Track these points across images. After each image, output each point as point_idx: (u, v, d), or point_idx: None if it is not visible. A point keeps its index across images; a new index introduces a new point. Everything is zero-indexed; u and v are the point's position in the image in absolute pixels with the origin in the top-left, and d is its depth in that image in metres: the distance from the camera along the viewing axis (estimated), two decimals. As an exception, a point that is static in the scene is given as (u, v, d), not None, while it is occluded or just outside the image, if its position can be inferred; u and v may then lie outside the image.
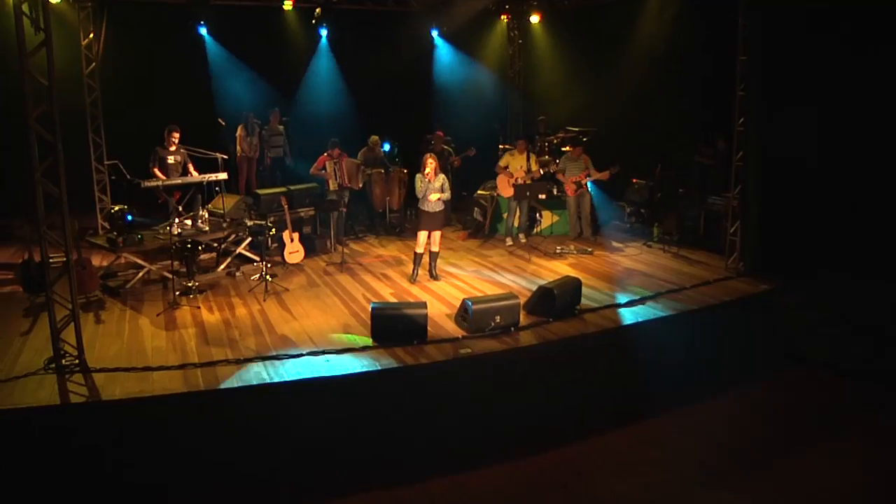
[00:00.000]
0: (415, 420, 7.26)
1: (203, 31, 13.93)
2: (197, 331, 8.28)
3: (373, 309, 7.90)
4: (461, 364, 7.47)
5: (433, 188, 9.73)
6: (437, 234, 10.02)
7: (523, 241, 12.09)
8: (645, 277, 10.35)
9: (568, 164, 12.55)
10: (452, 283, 10.13)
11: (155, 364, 7.30)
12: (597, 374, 8.16)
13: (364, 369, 7.19)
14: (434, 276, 10.16)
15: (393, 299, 9.37)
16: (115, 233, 9.68)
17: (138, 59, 13.22)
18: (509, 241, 12.31)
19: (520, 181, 12.08)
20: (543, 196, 12.09)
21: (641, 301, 9.29)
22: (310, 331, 8.25)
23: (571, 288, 8.87)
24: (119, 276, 10.38)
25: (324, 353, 7.53)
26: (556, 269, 10.77)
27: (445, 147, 13.69)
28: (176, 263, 9.68)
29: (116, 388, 6.76)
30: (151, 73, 13.31)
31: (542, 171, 12.43)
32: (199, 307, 9.10)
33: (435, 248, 10.08)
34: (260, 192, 11.71)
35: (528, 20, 15.53)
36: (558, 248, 11.84)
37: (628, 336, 8.49)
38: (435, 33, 16.12)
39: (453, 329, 8.27)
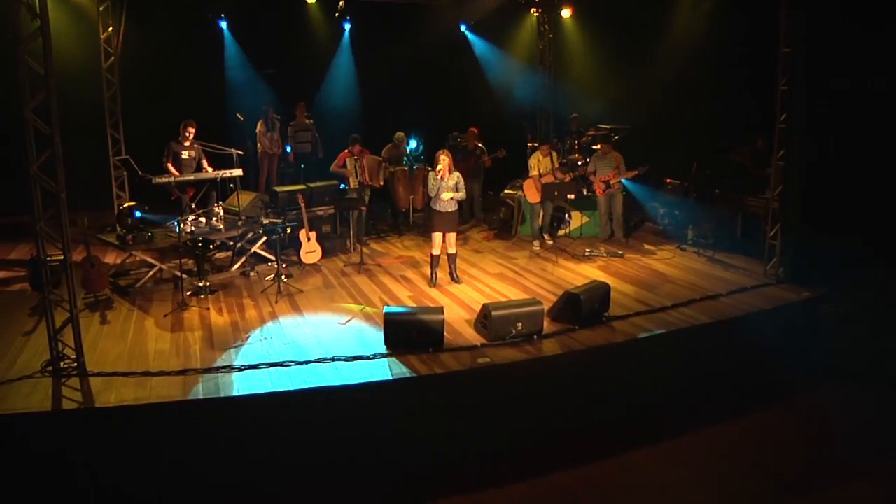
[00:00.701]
0: (427, 433, 6.80)
1: (223, 24, 13.64)
2: (203, 333, 7.91)
3: (385, 314, 7.44)
4: (479, 374, 6.98)
5: (446, 187, 9.26)
6: (452, 236, 9.56)
7: (549, 242, 11.50)
8: (678, 283, 9.79)
9: (598, 162, 12.01)
10: (474, 286, 9.65)
11: (155, 369, 6.94)
12: (624, 386, 7.62)
13: (373, 378, 6.73)
14: (455, 280, 9.70)
15: (411, 303, 8.92)
16: (124, 230, 9.34)
17: (158, 54, 12.93)
18: (536, 245, 11.80)
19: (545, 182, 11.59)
20: (572, 196, 11.55)
21: (674, 308, 8.72)
22: (321, 334, 7.83)
23: (599, 294, 8.34)
24: (131, 274, 10.09)
25: (332, 360, 7.10)
26: (583, 273, 10.24)
27: (479, 145, 13.18)
28: (192, 262, 9.35)
29: (112, 395, 6.40)
30: (171, 68, 13.01)
31: (567, 176, 11.88)
32: (208, 308, 8.74)
33: (452, 250, 9.62)
34: (278, 189, 11.35)
35: (560, 14, 14.96)
36: (587, 250, 11.30)
37: (659, 346, 7.93)
38: (463, 27, 15.66)
39: (472, 336, 7.80)
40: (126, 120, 12.45)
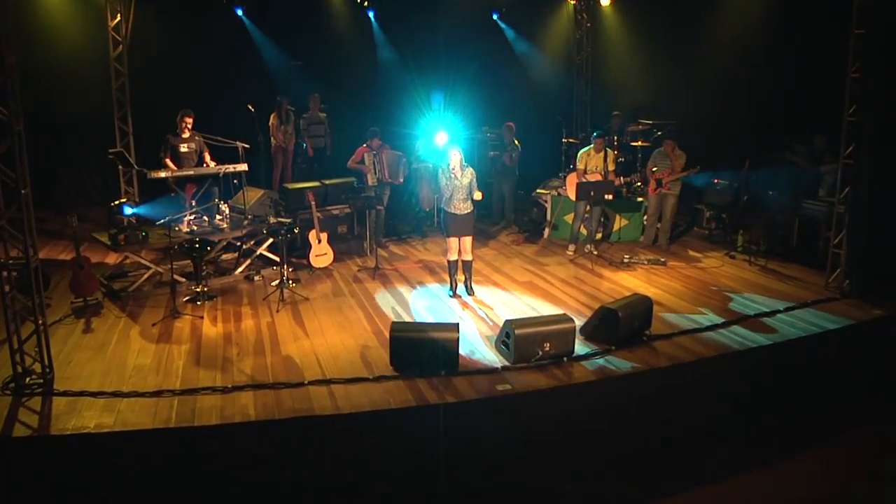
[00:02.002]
0: (433, 471, 5.84)
1: (239, 11, 12.86)
2: (191, 347, 7.07)
3: (393, 330, 6.49)
4: (497, 404, 6.01)
5: (459, 186, 8.32)
6: (467, 241, 8.59)
7: (594, 252, 10.43)
8: (728, 296, 8.71)
9: (657, 159, 10.92)
10: (498, 296, 8.69)
11: (129, 388, 6.11)
12: (668, 421, 6.57)
13: (374, 407, 5.79)
14: (469, 292, 8.73)
15: (427, 316, 7.98)
16: (115, 230, 8.55)
17: (169, 42, 12.24)
18: (571, 249, 10.81)
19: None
20: (610, 196, 10.49)
21: (725, 326, 7.67)
22: (320, 352, 6.93)
23: (640, 309, 7.32)
24: (129, 276, 9.30)
25: (329, 382, 6.18)
26: (621, 283, 9.21)
27: (515, 142, 12.15)
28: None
29: (72, 420, 5.56)
30: (183, 57, 12.29)
31: (621, 179, 10.85)
32: (201, 317, 7.90)
33: (467, 257, 8.65)
34: (289, 186, 10.49)
35: (598, 2, 13.92)
36: (626, 257, 10.25)
37: (709, 371, 6.87)
38: (495, 16, 14.70)
39: (492, 357, 6.82)
40: (135, 112, 11.73)
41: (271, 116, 12.06)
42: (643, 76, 13.80)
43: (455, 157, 8.26)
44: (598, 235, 11.18)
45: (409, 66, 14.05)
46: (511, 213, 12.51)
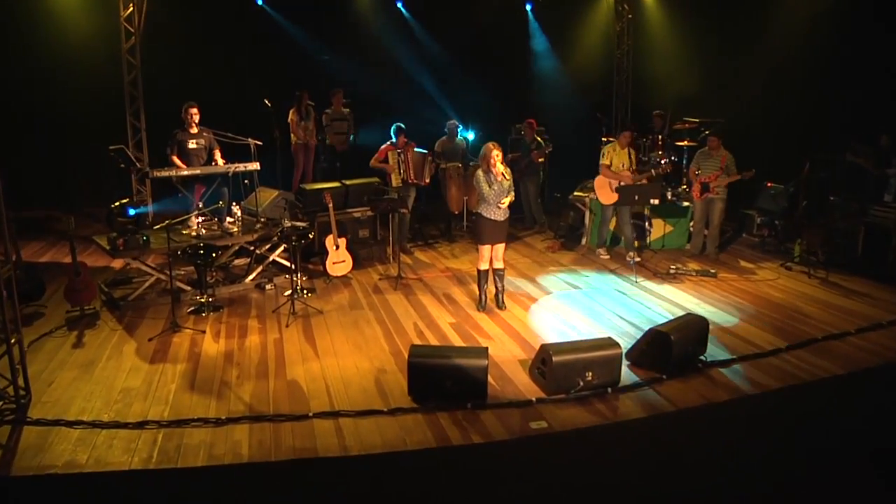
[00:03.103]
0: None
1: (260, 1, 12.15)
2: (187, 367, 6.30)
3: (411, 354, 5.65)
4: (531, 445, 5.14)
5: (502, 190, 7.47)
6: (501, 248, 7.77)
7: (635, 259, 9.58)
8: (788, 313, 7.77)
9: (701, 160, 9.97)
10: (532, 311, 7.83)
11: (111, 416, 5.37)
12: (729, 463, 5.63)
13: (386, 450, 4.96)
14: (501, 306, 7.88)
15: (452, 333, 7.14)
16: (115, 233, 7.83)
17: (184, 33, 11.56)
18: (604, 253, 10.11)
19: (623, 183, 9.68)
20: (656, 201, 9.55)
21: (789, 351, 6.73)
22: (329, 376, 6.12)
23: (695, 332, 6.41)
24: (133, 282, 8.61)
25: (337, 414, 5.37)
26: (669, 297, 8.31)
27: (538, 138, 11.33)
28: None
29: (41, 456, 4.82)
30: (199, 49, 11.59)
31: (644, 177, 9.91)
32: (203, 332, 7.14)
33: (499, 264, 7.81)
34: (306, 186, 9.72)
35: (641, -8, 13.03)
36: (672, 267, 9.32)
37: (776, 406, 5.93)
38: (528, 7, 13.82)
39: (526, 385, 5.96)
40: (148, 107, 11.12)
41: (290, 112, 11.29)
42: (688, 71, 12.85)
43: (498, 157, 7.42)
44: (640, 243, 10.27)
45: (437, 59, 13.26)
46: (541, 216, 11.65)
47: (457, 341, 6.94)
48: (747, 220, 11.24)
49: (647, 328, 7.08)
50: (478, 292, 7.90)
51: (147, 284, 8.11)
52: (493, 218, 7.52)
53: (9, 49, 11.37)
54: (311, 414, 5.36)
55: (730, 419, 5.71)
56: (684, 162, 11.46)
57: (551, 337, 7.00)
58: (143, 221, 8.12)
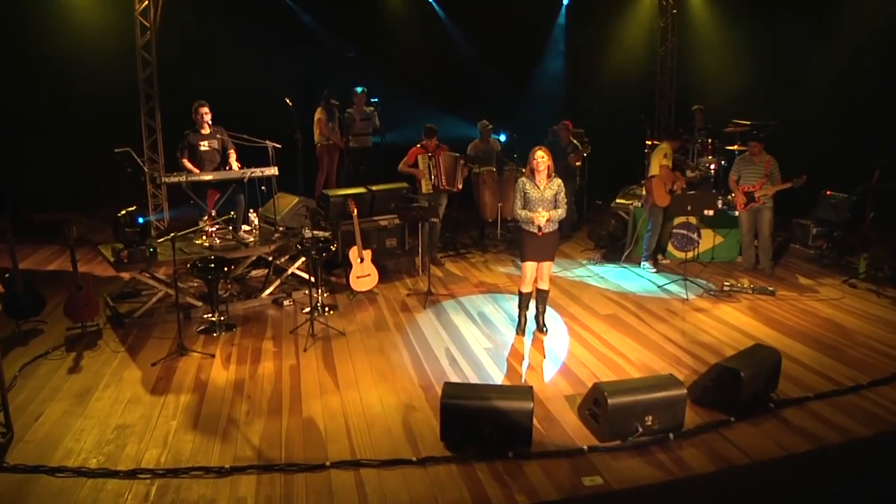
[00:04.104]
0: None
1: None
2: (192, 399, 5.62)
3: (444, 395, 4.89)
4: (584, 506, 4.39)
5: (542, 200, 6.66)
6: (546, 266, 6.91)
7: (665, 262, 9.03)
8: (862, 339, 6.95)
9: (742, 167, 9.15)
10: (577, 334, 7.07)
11: (100, 461, 4.69)
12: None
13: (415, 509, 4.24)
14: (541, 329, 7.09)
15: (489, 361, 6.39)
16: (122, 244, 7.18)
17: (202, 28, 10.97)
18: (649, 265, 9.36)
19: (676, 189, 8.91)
20: (710, 212, 8.71)
21: (871, 388, 5.90)
22: (351, 413, 5.39)
23: (766, 367, 5.60)
24: (143, 295, 7.97)
25: (358, 464, 4.65)
26: (725, 319, 7.50)
27: (574, 141, 10.54)
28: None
29: (12, 514, 4.16)
30: (217, 45, 10.97)
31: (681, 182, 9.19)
32: (212, 356, 6.46)
33: (544, 285, 6.99)
34: (329, 192, 9.02)
35: (686, -14, 12.20)
36: (726, 284, 8.49)
37: (867, 454, 5.10)
38: (566, 1, 13.07)
39: (574, 428, 5.19)
40: (165, 105, 10.50)
41: (318, 110, 10.62)
42: (737, 70, 12.01)
43: (542, 161, 6.64)
44: (692, 254, 9.46)
45: (465, 55, 12.55)
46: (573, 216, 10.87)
47: (493, 371, 6.19)
48: (800, 230, 10.36)
49: (701, 355, 6.45)
50: (517, 315, 7.13)
51: (156, 298, 7.47)
52: (530, 230, 6.72)
53: (20, 46, 10.89)
54: (328, 464, 4.63)
55: (814, 473, 4.90)
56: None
57: (598, 367, 6.23)
58: (149, 231, 7.43)
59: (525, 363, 6.39)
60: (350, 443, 4.94)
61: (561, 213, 6.70)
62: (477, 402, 4.81)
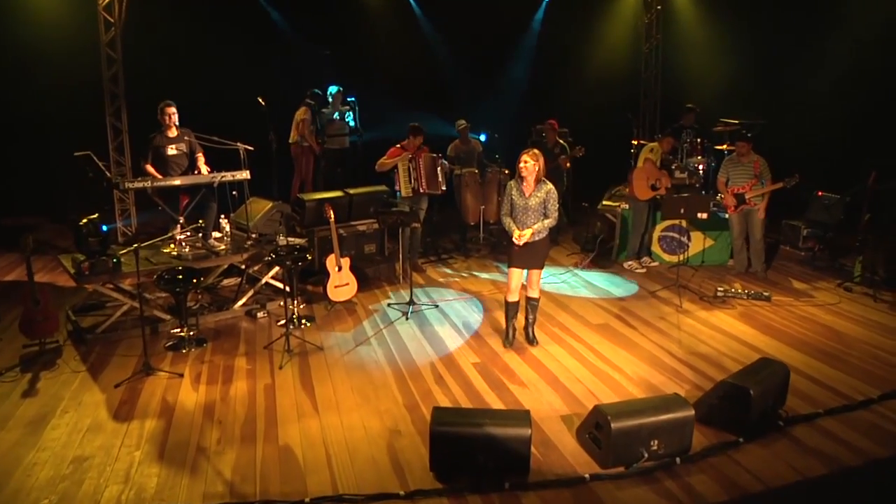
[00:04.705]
0: None
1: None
2: (157, 426, 5.17)
3: (434, 422, 4.48)
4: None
5: (530, 208, 6.26)
6: (535, 274, 6.53)
7: (653, 264, 8.98)
8: (865, 348, 6.67)
9: (730, 168, 8.86)
10: (569, 346, 6.71)
11: (52, 501, 4.22)
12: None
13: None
14: (531, 341, 6.71)
15: (478, 378, 6.00)
16: (83, 255, 6.69)
17: (170, 25, 10.49)
18: (634, 265, 9.20)
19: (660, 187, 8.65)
20: (704, 215, 8.39)
21: (882, 401, 5.61)
22: (331, 440, 4.97)
23: (775, 383, 5.28)
24: (109, 306, 7.47)
25: (340, 500, 4.23)
26: (723, 327, 7.19)
27: (561, 141, 10.17)
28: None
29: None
30: (186, 42, 10.47)
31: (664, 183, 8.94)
32: (181, 375, 6.00)
33: (533, 293, 6.61)
34: (305, 196, 8.59)
35: (672, -21, 11.92)
36: (720, 289, 8.17)
37: (889, 478, 4.79)
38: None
39: (573, 452, 4.82)
40: (131, 105, 10.00)
41: (301, 111, 10.20)
42: (725, 67, 11.74)
43: (526, 166, 6.22)
44: (682, 257, 9.15)
45: (443, 53, 12.19)
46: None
47: (482, 388, 5.80)
48: (790, 231, 10.10)
49: (701, 367, 6.18)
50: (504, 325, 6.74)
51: (121, 312, 6.98)
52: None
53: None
54: (307, 500, 4.21)
55: (834, 500, 4.57)
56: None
57: (594, 383, 5.87)
58: (110, 240, 6.94)
59: (516, 379, 6.00)
60: (331, 474, 4.52)
61: (549, 222, 6.28)
62: (469, 428, 4.41)
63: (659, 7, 12.48)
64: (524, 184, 6.24)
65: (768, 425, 5.13)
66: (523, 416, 4.51)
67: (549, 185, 6.30)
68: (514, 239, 6.24)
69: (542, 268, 6.53)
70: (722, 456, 4.78)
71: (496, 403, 5.52)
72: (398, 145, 8.79)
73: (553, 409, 5.41)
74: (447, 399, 5.57)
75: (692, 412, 4.71)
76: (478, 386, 5.84)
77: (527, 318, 6.71)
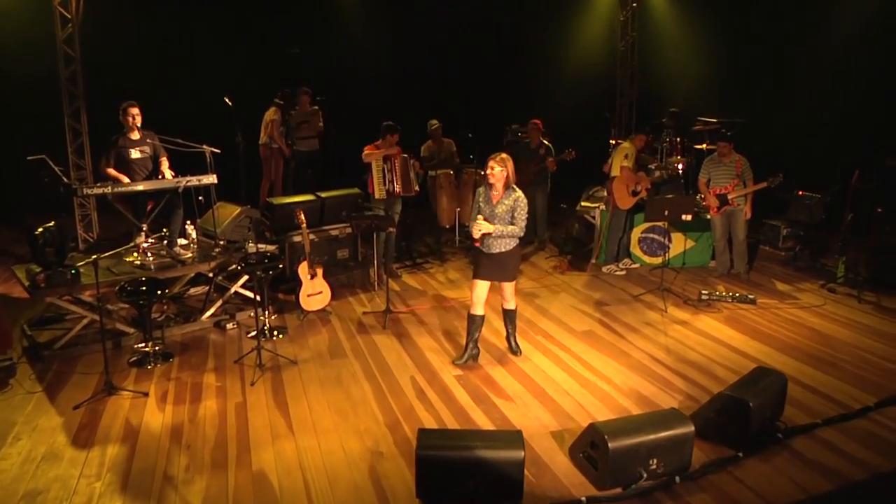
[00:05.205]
0: None
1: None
2: (122, 452, 4.80)
3: (420, 446, 4.17)
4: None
5: (495, 216, 5.91)
6: (508, 287, 6.19)
7: (634, 266, 8.94)
8: (855, 352, 6.52)
9: (711, 168, 8.69)
10: (555, 356, 6.45)
11: (5, 543, 3.86)
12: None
13: None
14: (514, 351, 6.42)
15: (461, 391, 5.71)
16: (40, 267, 6.28)
17: (131, 21, 10.07)
18: (613, 269, 9.07)
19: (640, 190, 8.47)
20: (688, 217, 8.20)
21: (879, 408, 5.44)
22: (308, 464, 4.65)
23: (773, 393, 5.07)
24: (68, 319, 7.05)
25: (321, 533, 3.93)
26: (710, 333, 7.00)
27: (546, 142, 9.86)
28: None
29: None
30: (148, 39, 10.05)
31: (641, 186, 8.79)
32: (146, 394, 5.64)
33: (509, 305, 6.29)
34: (275, 201, 8.24)
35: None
36: (703, 292, 7.98)
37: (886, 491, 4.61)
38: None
39: (566, 472, 4.55)
40: (91, 106, 9.55)
41: (271, 111, 9.84)
42: (703, 65, 11.59)
43: (492, 174, 5.87)
44: (659, 260, 8.96)
45: (414, 51, 11.92)
46: (545, 233, 10.21)
47: (467, 403, 5.52)
48: (770, 231, 9.97)
49: (691, 376, 6.00)
50: (465, 341, 6.30)
51: (81, 325, 6.58)
52: (482, 248, 6.02)
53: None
54: (283, 535, 3.91)
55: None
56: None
57: (584, 396, 5.63)
58: (68, 250, 6.52)
59: (501, 392, 5.72)
60: (310, 503, 4.20)
61: (513, 229, 5.88)
62: (458, 452, 4.12)
63: (635, 4, 12.30)
64: (492, 190, 5.94)
65: (767, 438, 4.92)
66: (515, 438, 4.22)
67: (519, 193, 5.94)
68: (472, 232, 5.89)
69: (512, 280, 6.21)
70: (722, 473, 4.55)
71: (482, 420, 5.24)
72: (373, 144, 8.45)
73: (542, 425, 5.14)
74: (430, 416, 5.28)
75: (692, 428, 4.47)
76: (462, 401, 5.55)
77: (507, 329, 6.43)
